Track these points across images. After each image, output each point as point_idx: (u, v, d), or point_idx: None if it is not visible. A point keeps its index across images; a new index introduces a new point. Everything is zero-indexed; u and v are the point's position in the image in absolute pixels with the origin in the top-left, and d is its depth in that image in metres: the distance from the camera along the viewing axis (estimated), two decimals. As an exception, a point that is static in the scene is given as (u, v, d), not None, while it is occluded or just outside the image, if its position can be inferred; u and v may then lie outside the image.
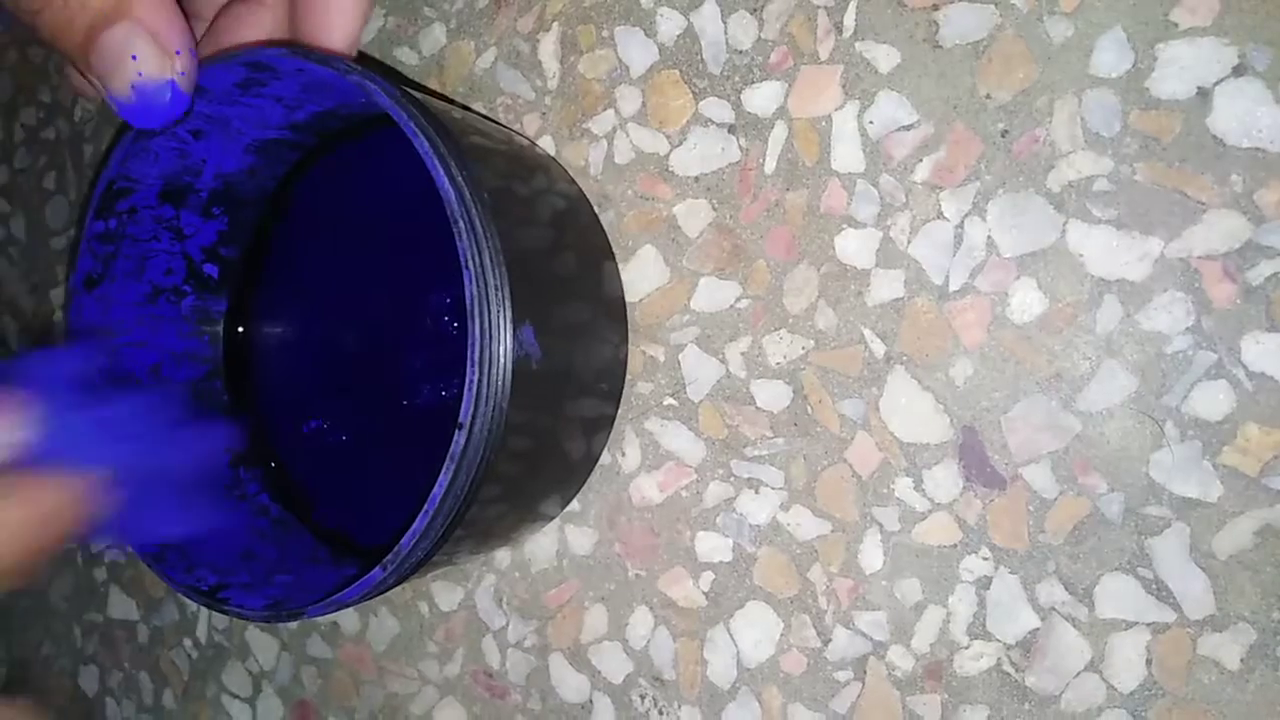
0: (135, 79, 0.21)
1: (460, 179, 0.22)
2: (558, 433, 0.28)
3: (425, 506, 0.22)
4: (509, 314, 0.23)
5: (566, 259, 0.28)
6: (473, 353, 0.22)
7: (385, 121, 0.23)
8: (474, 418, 0.22)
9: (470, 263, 0.22)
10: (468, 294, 0.22)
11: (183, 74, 0.22)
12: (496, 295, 0.23)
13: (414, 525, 0.22)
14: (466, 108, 0.34)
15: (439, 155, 0.22)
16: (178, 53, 0.22)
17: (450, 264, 0.22)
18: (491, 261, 0.22)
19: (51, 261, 0.47)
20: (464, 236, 0.22)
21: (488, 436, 0.22)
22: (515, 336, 0.23)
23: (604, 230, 0.31)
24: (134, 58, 0.21)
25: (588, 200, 0.32)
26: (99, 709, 0.46)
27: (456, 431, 0.22)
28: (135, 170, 0.27)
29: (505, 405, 0.23)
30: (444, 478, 0.22)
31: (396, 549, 0.23)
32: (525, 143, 0.31)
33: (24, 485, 0.17)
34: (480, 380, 0.22)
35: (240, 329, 0.33)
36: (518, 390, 0.23)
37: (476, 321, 0.22)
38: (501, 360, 0.23)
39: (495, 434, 0.23)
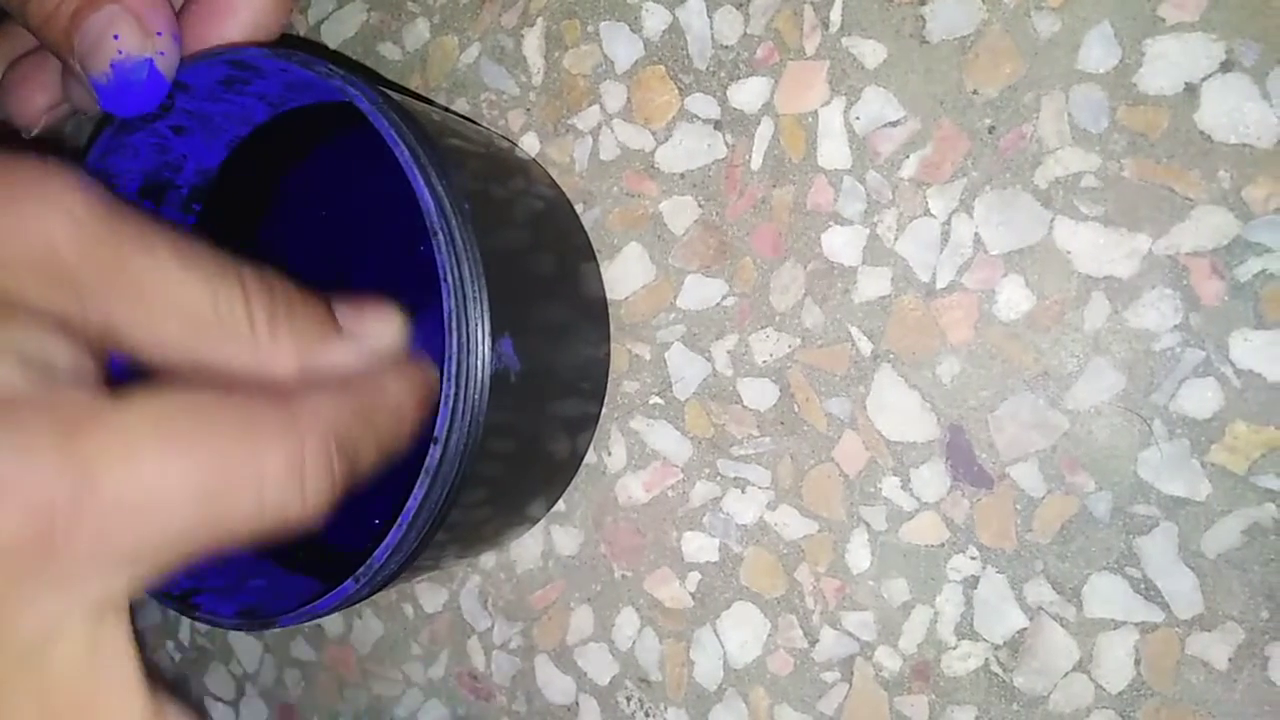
0: (115, 56, 0.22)
1: (440, 189, 0.22)
2: (540, 437, 0.28)
3: (399, 520, 0.22)
4: (487, 326, 0.23)
5: (546, 265, 0.28)
6: (449, 367, 0.22)
7: (368, 119, 0.23)
8: (449, 432, 0.22)
9: (449, 276, 0.22)
10: (446, 308, 0.22)
11: (162, 54, 0.22)
12: (475, 309, 0.22)
13: (387, 539, 0.22)
14: (447, 108, 0.34)
15: (419, 165, 0.22)
16: (159, 34, 0.22)
17: (432, 263, 0.22)
18: (470, 274, 0.22)
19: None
20: (443, 249, 0.22)
21: (464, 450, 0.22)
22: (494, 349, 0.23)
23: (585, 232, 0.31)
24: (116, 37, 0.21)
25: (569, 202, 0.31)
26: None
27: (431, 446, 0.22)
28: (115, 165, 0.27)
29: (482, 418, 0.22)
30: (418, 492, 0.22)
31: (369, 562, 0.22)
32: (505, 145, 0.31)
33: (411, 369, 0.21)
34: (456, 395, 0.22)
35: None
36: (496, 401, 0.23)
37: (454, 336, 0.22)
38: (479, 374, 0.22)
39: (472, 446, 0.22)
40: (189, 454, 0.16)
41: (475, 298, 0.22)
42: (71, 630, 0.15)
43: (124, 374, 0.18)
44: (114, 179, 0.27)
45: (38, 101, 0.25)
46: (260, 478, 0.16)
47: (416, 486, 0.22)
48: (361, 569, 0.23)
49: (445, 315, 0.22)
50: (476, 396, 0.22)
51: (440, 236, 0.22)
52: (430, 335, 0.29)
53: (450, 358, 0.22)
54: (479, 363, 0.22)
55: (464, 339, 0.22)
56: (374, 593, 0.24)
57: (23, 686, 0.15)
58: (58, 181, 0.16)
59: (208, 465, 0.16)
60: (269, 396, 0.17)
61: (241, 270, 0.18)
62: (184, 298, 0.17)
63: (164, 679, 0.43)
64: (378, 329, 0.21)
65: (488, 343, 0.23)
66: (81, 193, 0.16)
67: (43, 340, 0.16)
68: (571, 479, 0.32)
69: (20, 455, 0.14)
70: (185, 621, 0.42)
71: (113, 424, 0.15)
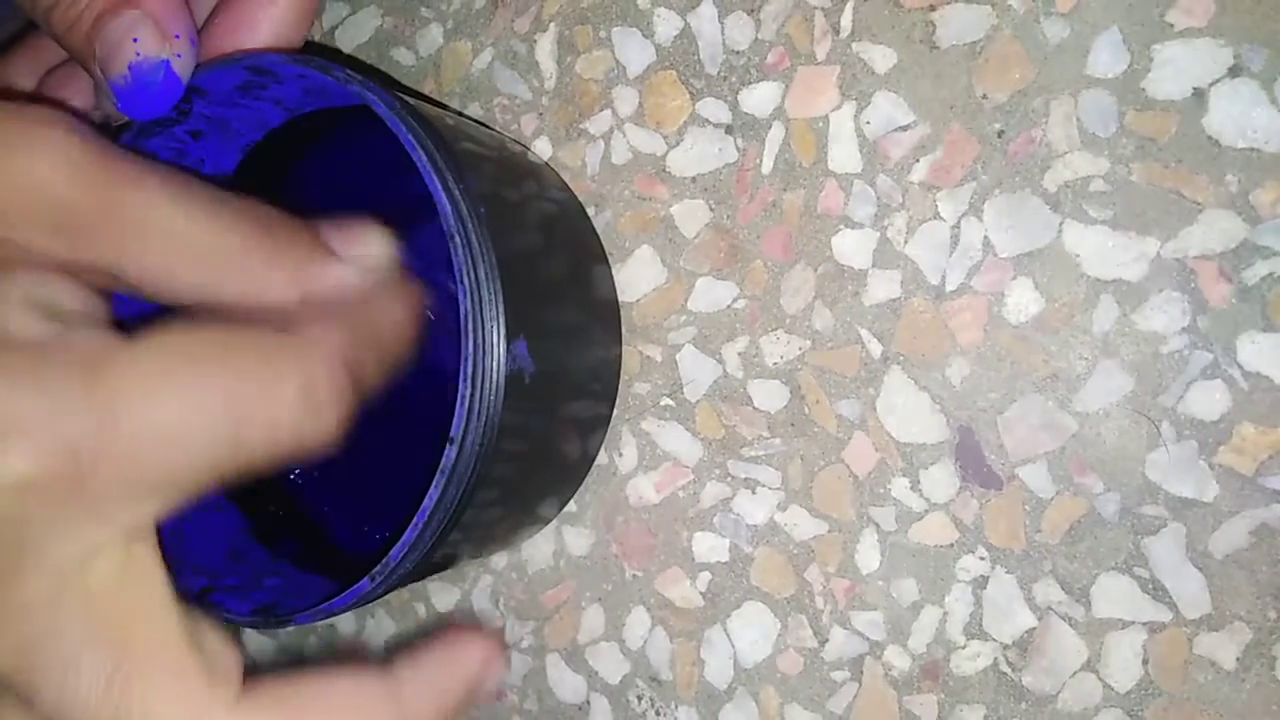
0: (132, 59, 0.22)
1: (457, 192, 0.23)
2: (552, 438, 0.28)
3: (415, 519, 0.22)
4: (503, 328, 0.23)
5: (559, 268, 0.28)
6: (465, 368, 0.22)
7: (379, 123, 0.23)
8: (465, 432, 0.22)
9: (465, 278, 0.22)
10: (461, 309, 0.22)
11: (179, 56, 0.22)
12: (490, 310, 0.23)
13: (403, 537, 0.22)
14: (461, 113, 0.34)
15: (436, 169, 0.23)
16: (177, 36, 0.22)
17: (446, 265, 0.23)
18: (486, 276, 0.23)
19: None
20: (460, 251, 0.22)
21: (479, 450, 0.23)
22: (509, 351, 0.23)
23: (598, 235, 0.31)
24: (135, 40, 0.22)
25: (581, 206, 0.32)
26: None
27: (448, 446, 0.22)
28: (132, 170, 0.27)
29: (497, 419, 0.23)
30: (434, 491, 0.22)
31: (385, 561, 0.23)
32: (518, 149, 0.31)
33: (401, 286, 0.21)
34: (472, 396, 0.22)
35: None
36: (510, 402, 0.23)
37: (470, 337, 0.22)
38: (494, 375, 0.23)
39: (487, 446, 0.23)
40: (205, 385, 0.16)
41: (490, 300, 0.23)
42: (106, 553, 0.16)
43: (131, 313, 0.18)
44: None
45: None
46: (276, 403, 0.17)
47: (432, 486, 0.22)
48: (377, 567, 0.23)
49: (461, 317, 0.22)
50: (492, 398, 0.23)
51: (457, 239, 0.22)
52: (441, 340, 0.29)
53: (466, 359, 0.22)
54: (494, 364, 0.23)
55: (480, 340, 0.22)
56: (389, 591, 0.24)
57: (66, 604, 0.16)
58: (49, 126, 0.17)
59: (224, 394, 0.16)
60: (275, 323, 0.18)
61: (233, 201, 0.18)
62: (181, 231, 0.17)
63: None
64: (367, 248, 0.21)
65: (503, 345, 0.23)
66: (74, 136, 0.17)
67: (51, 285, 0.17)
68: (583, 479, 0.32)
69: (44, 396, 0.15)
70: (199, 620, 0.42)
71: (130, 361, 0.16)
